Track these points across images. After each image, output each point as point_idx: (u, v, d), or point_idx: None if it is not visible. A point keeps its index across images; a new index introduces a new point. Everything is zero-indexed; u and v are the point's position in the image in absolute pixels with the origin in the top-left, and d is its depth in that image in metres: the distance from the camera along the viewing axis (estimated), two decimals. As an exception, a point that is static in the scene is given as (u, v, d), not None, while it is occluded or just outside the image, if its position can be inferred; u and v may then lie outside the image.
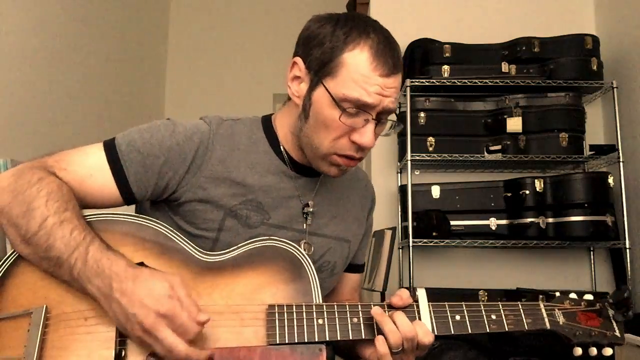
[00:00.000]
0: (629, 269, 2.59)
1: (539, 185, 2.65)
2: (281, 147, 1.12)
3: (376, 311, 0.97)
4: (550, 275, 2.90)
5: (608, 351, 1.03)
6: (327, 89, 1.00)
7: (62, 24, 2.69)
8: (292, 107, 1.10)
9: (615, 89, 2.73)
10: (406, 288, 2.66)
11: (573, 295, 1.09)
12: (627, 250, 2.59)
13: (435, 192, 2.79)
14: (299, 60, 1.05)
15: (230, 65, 4.45)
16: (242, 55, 4.47)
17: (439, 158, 2.78)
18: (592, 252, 2.92)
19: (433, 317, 0.99)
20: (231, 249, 1.01)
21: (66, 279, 0.91)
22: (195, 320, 0.86)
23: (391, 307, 1.00)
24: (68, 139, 2.66)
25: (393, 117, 1.08)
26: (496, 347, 2.30)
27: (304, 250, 1.05)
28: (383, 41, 1.00)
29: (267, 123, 1.15)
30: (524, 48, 2.87)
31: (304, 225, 1.13)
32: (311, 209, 1.13)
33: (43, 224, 0.90)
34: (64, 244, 0.89)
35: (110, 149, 1.02)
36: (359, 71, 0.98)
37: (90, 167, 1.01)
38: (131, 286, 0.85)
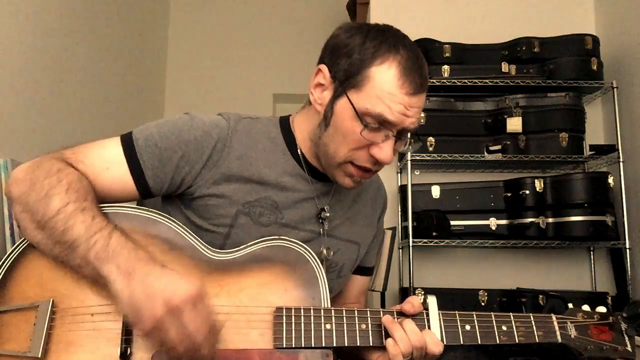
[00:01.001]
0: (629, 269, 2.59)
1: (539, 185, 2.66)
2: (298, 150, 1.12)
3: (386, 319, 0.97)
4: (550, 275, 2.91)
5: None
6: (350, 101, 0.99)
7: (62, 24, 2.68)
8: (312, 113, 1.09)
9: (615, 89, 2.73)
10: (406, 288, 2.67)
11: (586, 308, 1.08)
12: (627, 250, 2.60)
13: (435, 192, 2.79)
14: (324, 68, 1.05)
15: (230, 65, 4.44)
16: (242, 55, 4.46)
17: (439, 158, 2.77)
18: (592, 252, 2.92)
19: (443, 326, 0.99)
20: (240, 247, 1.00)
21: (78, 262, 0.90)
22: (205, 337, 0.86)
23: (400, 315, 0.99)
24: (68, 139, 2.65)
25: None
26: (496, 347, 2.30)
27: (325, 255, 1.05)
28: (412, 58, 1.00)
29: (285, 124, 1.15)
30: (524, 48, 2.86)
31: (320, 229, 1.12)
32: (327, 214, 1.13)
33: (63, 209, 0.90)
34: (85, 227, 0.89)
35: (128, 142, 1.02)
36: (384, 88, 0.97)
37: (107, 161, 1.01)
38: (159, 271, 0.86)
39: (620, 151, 2.65)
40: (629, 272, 2.59)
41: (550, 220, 2.63)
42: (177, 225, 1.00)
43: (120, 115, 3.43)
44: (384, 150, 1.01)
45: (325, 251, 1.11)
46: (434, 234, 2.67)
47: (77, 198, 0.91)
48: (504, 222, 2.75)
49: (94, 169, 1.00)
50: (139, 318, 0.84)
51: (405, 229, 2.79)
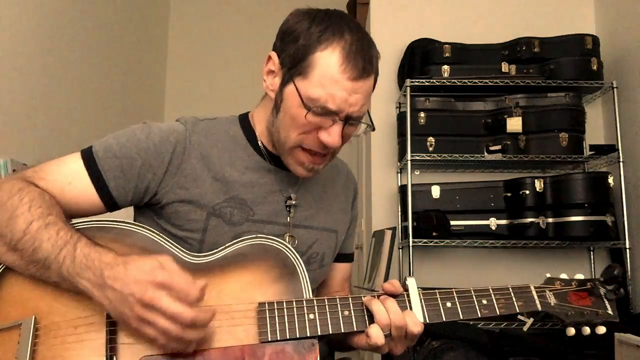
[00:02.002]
0: (629, 269, 2.59)
1: (539, 185, 2.65)
2: (259, 142, 1.13)
3: (367, 298, 0.99)
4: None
5: (601, 329, 1.03)
6: (296, 88, 1.01)
7: (62, 24, 2.70)
8: (267, 102, 1.12)
9: (615, 89, 2.72)
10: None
11: (564, 276, 1.09)
12: (627, 250, 2.59)
13: (435, 192, 2.79)
14: (274, 55, 1.07)
15: (230, 65, 4.45)
16: (242, 55, 4.47)
17: (439, 158, 2.78)
18: (592, 252, 2.91)
19: (424, 305, 1.00)
20: (219, 249, 1.00)
21: (55, 279, 0.91)
22: (193, 285, 0.85)
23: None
24: (68, 139, 2.67)
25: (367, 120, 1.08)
26: (496, 347, 2.29)
27: (289, 243, 1.05)
28: (356, 42, 1.00)
29: (244, 120, 1.17)
30: (524, 48, 2.86)
31: (288, 218, 1.13)
32: (294, 202, 1.14)
33: (28, 229, 0.90)
34: (50, 244, 0.89)
35: (88, 156, 1.03)
36: (327, 74, 0.98)
37: (68, 175, 1.01)
38: (122, 270, 0.85)
39: (620, 151, 2.64)
40: (629, 272, 2.59)
41: (550, 220, 2.62)
42: (153, 234, 0.99)
43: (120, 115, 3.45)
44: (331, 134, 1.01)
45: (288, 238, 1.11)
46: (434, 234, 2.67)
47: (41, 214, 0.91)
48: (504, 222, 2.75)
49: (57, 185, 1.00)
50: (124, 322, 0.87)
51: (405, 229, 2.78)
